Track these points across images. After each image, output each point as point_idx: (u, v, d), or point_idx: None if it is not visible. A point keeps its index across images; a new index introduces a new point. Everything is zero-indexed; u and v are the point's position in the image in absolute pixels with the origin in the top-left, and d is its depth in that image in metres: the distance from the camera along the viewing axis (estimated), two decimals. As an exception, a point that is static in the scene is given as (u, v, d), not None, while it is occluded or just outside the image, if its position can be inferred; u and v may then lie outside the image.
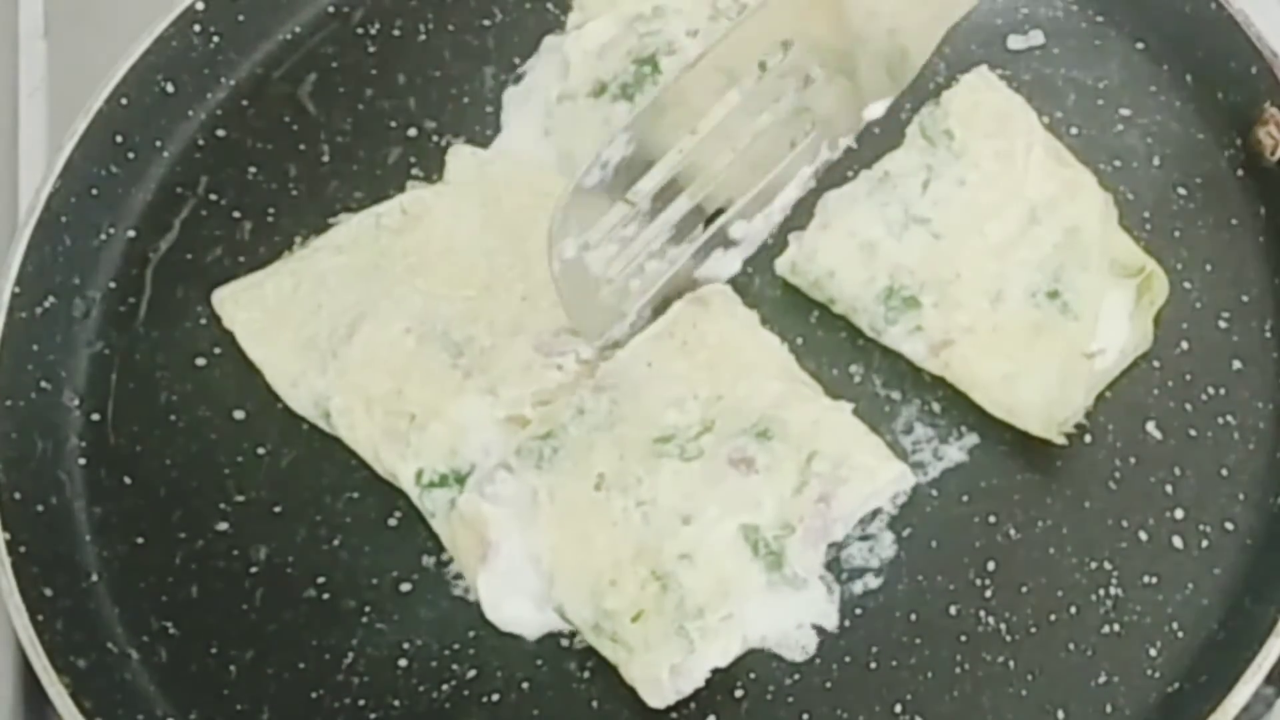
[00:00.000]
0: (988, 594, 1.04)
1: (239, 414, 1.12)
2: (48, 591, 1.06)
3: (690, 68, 1.03)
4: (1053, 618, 1.03)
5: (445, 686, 1.04)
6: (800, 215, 1.15)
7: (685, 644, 0.99)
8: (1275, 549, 1.03)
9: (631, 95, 1.16)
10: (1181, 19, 1.18)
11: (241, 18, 1.26)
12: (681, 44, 1.18)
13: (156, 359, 1.16)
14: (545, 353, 1.09)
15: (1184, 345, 1.10)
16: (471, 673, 1.04)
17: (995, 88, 1.17)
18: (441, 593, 1.06)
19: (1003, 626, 1.03)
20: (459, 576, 1.06)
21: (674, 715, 1.01)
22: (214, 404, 1.13)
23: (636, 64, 1.17)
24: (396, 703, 1.03)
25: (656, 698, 0.99)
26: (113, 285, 1.19)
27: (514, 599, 1.04)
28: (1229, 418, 1.08)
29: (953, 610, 1.03)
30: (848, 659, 1.03)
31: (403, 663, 1.04)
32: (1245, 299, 1.11)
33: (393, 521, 1.09)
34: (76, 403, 1.14)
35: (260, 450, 1.11)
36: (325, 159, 1.22)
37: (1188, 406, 1.08)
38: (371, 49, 1.27)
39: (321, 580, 1.07)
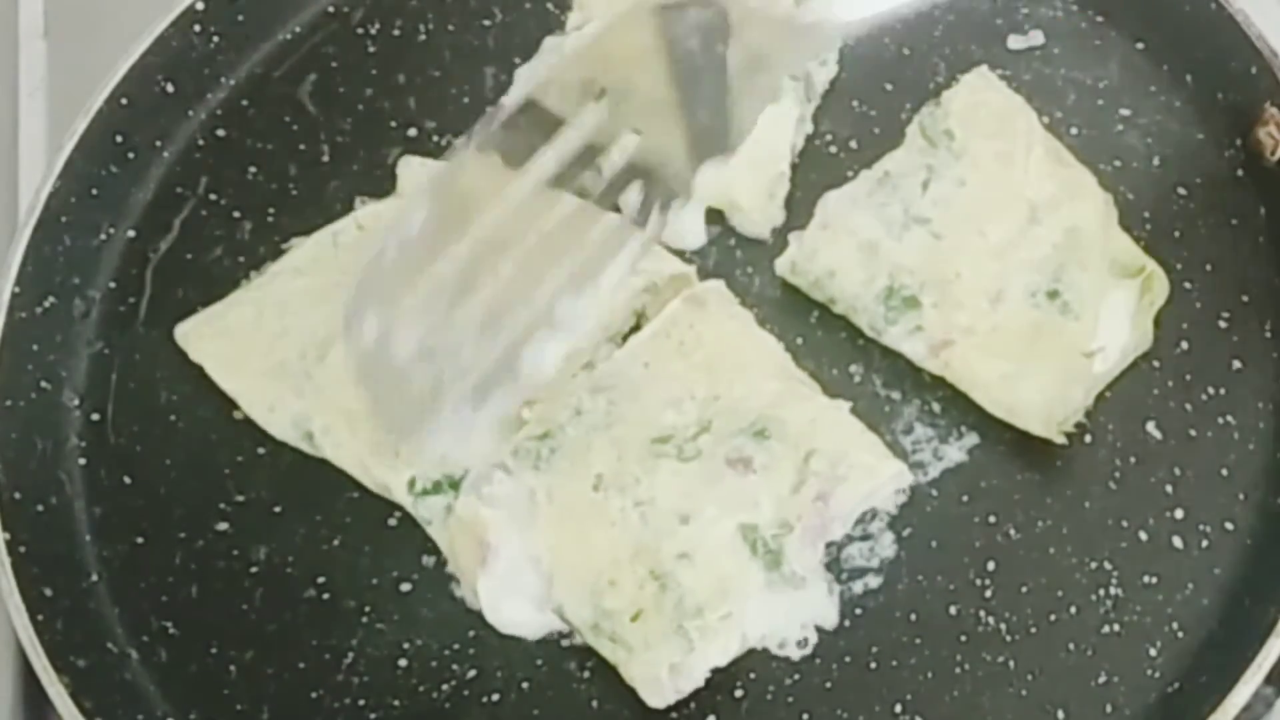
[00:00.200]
0: (988, 594, 1.04)
1: (239, 414, 1.12)
2: (48, 591, 1.06)
3: (494, 120, 0.96)
4: (1053, 618, 1.03)
5: (445, 686, 1.04)
6: (800, 215, 1.15)
7: (684, 643, 0.99)
8: (1275, 549, 1.03)
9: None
10: (1181, 19, 1.18)
11: (241, 18, 1.26)
12: (681, 44, 1.17)
13: (156, 359, 1.15)
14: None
15: (1184, 345, 1.10)
16: (471, 673, 1.04)
17: (995, 88, 1.17)
18: (441, 593, 1.06)
19: (1003, 626, 1.03)
20: (459, 576, 1.07)
21: (674, 715, 1.01)
22: (214, 404, 1.13)
23: (636, 64, 1.17)
24: (396, 703, 1.03)
25: (656, 697, 0.99)
26: (113, 285, 1.19)
27: (513, 601, 1.04)
28: (1229, 418, 1.08)
29: (953, 610, 1.03)
30: (848, 659, 1.03)
31: (403, 663, 1.04)
32: (1245, 299, 1.11)
33: (393, 522, 1.09)
34: (76, 403, 1.14)
35: (260, 450, 1.11)
36: (325, 159, 1.22)
37: (1188, 406, 1.08)
38: (371, 49, 1.27)
39: (321, 580, 1.07)
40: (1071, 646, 1.02)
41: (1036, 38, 1.21)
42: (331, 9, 1.28)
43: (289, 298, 1.13)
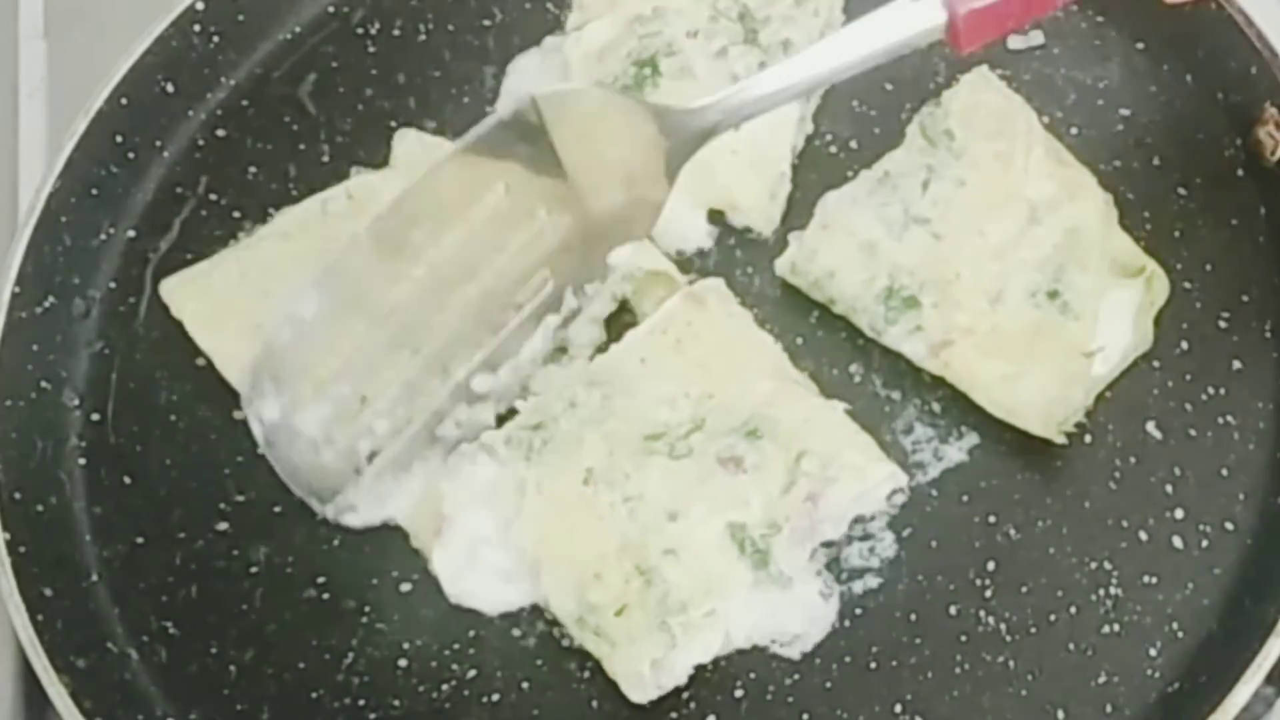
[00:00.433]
0: (988, 594, 1.04)
1: (239, 414, 1.12)
2: (48, 591, 1.06)
3: (388, 214, 0.98)
4: (1053, 618, 1.03)
5: (445, 686, 1.04)
6: (800, 215, 1.15)
7: (667, 639, 0.99)
8: (1275, 549, 1.03)
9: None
10: (1181, 19, 1.18)
11: (241, 18, 1.26)
12: (681, 45, 1.17)
13: (156, 359, 1.16)
14: (494, 330, 1.08)
15: (1184, 345, 1.10)
16: (471, 673, 1.04)
17: (995, 88, 1.17)
18: (441, 593, 1.06)
19: (1003, 626, 1.03)
20: (459, 577, 1.07)
21: (674, 715, 1.01)
22: (214, 404, 1.13)
23: (636, 66, 1.17)
24: (396, 703, 1.03)
25: (638, 692, 1.00)
26: (113, 285, 1.19)
27: (475, 575, 1.04)
28: (1229, 418, 1.08)
29: (953, 610, 1.03)
30: (847, 659, 1.03)
31: (403, 663, 1.04)
32: (1245, 299, 1.11)
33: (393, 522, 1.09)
34: (76, 403, 1.14)
35: (260, 450, 1.11)
36: (325, 159, 1.22)
37: (1188, 406, 1.08)
38: (371, 49, 1.27)
39: (321, 580, 1.07)
40: (1071, 646, 1.02)
41: (1036, 38, 1.21)
42: (331, 9, 1.28)
43: (274, 260, 1.14)
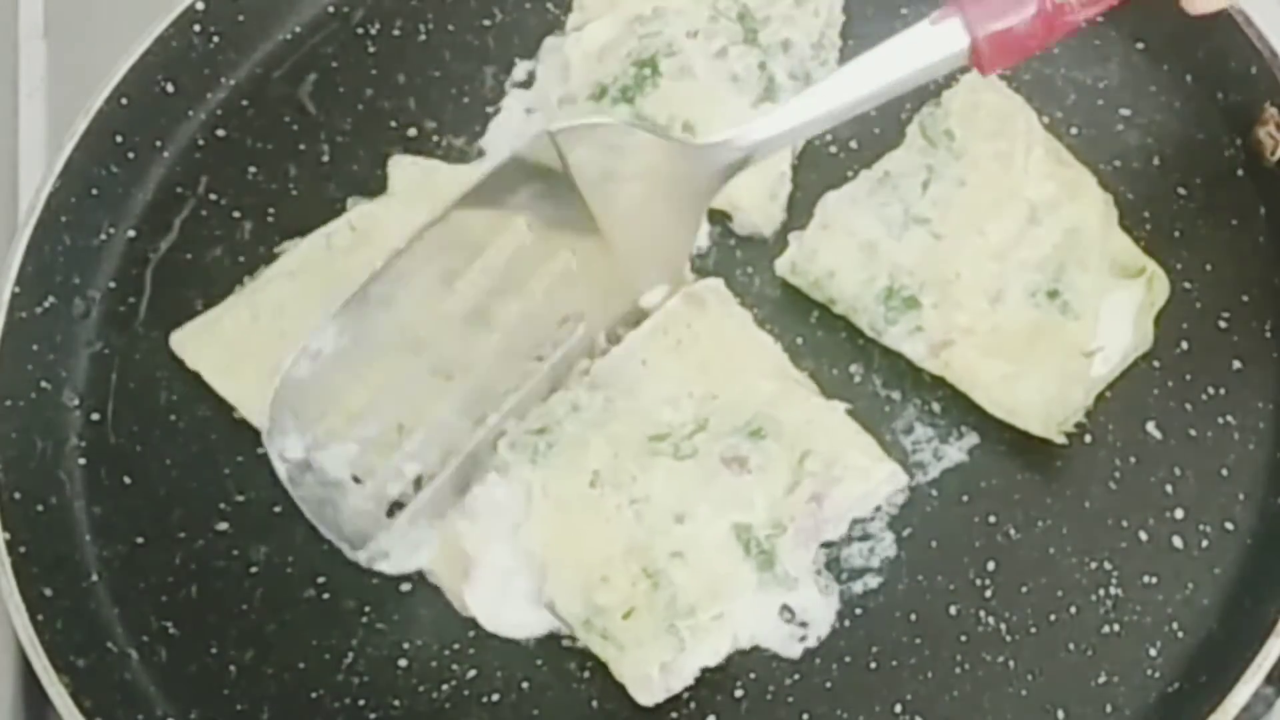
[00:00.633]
0: (988, 594, 1.04)
1: (239, 414, 1.12)
2: (48, 591, 1.06)
3: (408, 249, 0.96)
4: (1053, 618, 1.03)
5: (445, 686, 1.04)
6: (800, 215, 1.15)
7: (675, 642, 0.99)
8: (1275, 549, 1.03)
9: (631, 98, 1.16)
10: (1181, 19, 1.17)
11: (241, 18, 1.26)
12: (681, 45, 1.17)
13: (156, 359, 1.15)
14: (525, 375, 1.08)
15: (1184, 345, 1.10)
16: (471, 673, 1.04)
17: (995, 88, 1.16)
18: (441, 593, 1.06)
19: (1003, 626, 1.03)
20: (459, 576, 1.07)
21: (674, 715, 1.01)
22: (214, 404, 1.13)
23: (637, 66, 1.17)
24: (396, 703, 1.03)
25: (646, 695, 0.99)
26: (113, 285, 1.19)
27: (511, 604, 1.04)
28: (1229, 418, 1.08)
29: (953, 610, 1.03)
30: (848, 659, 1.03)
31: (403, 663, 1.04)
32: (1245, 299, 1.11)
33: (393, 521, 1.09)
34: (76, 403, 1.14)
35: (260, 450, 1.11)
36: (325, 159, 1.22)
37: (1188, 406, 1.08)
38: (371, 49, 1.27)
39: (321, 580, 1.07)
40: (1071, 646, 1.02)
41: (1036, 38, 1.21)
42: (331, 9, 1.28)
43: (284, 300, 1.13)
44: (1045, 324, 1.07)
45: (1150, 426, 1.08)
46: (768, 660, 1.03)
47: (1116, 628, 1.02)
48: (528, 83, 1.24)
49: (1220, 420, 1.08)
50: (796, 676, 1.02)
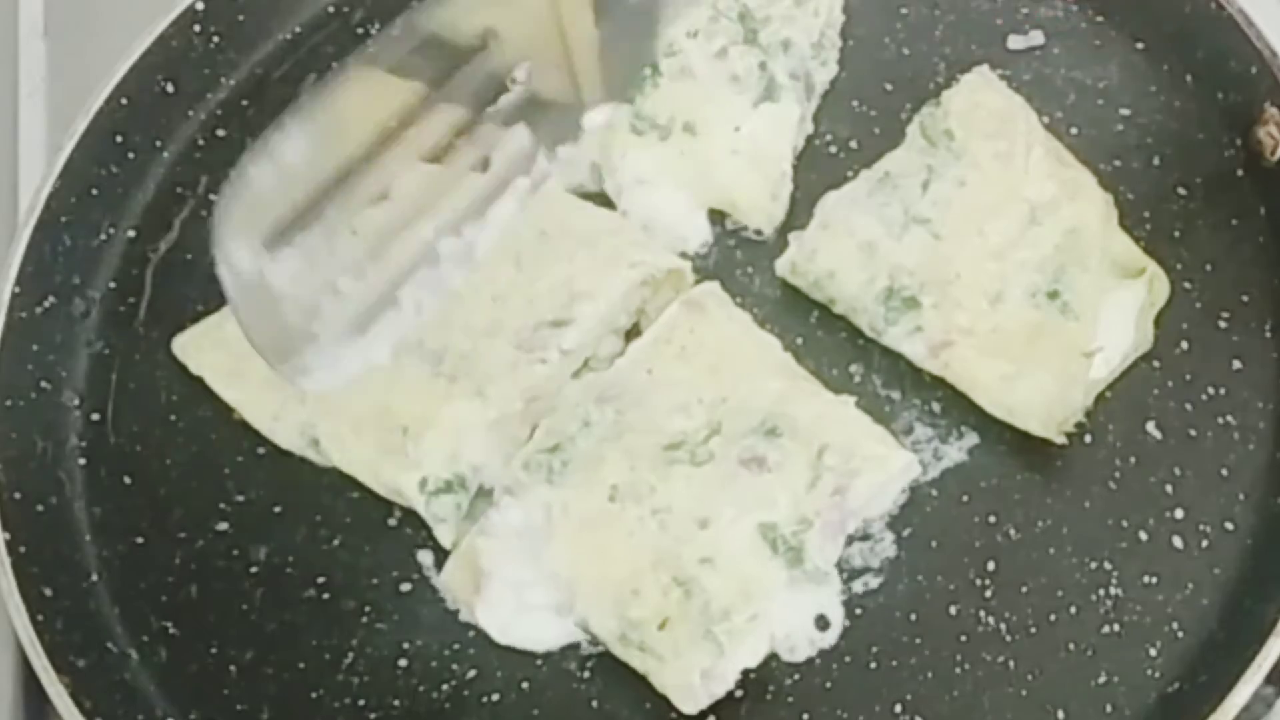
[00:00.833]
0: (988, 594, 1.04)
1: (239, 415, 1.12)
2: (48, 591, 1.06)
3: (367, 54, 0.92)
4: (1053, 618, 1.03)
5: (445, 686, 1.04)
6: (800, 215, 1.15)
7: (714, 648, 0.98)
8: (1275, 549, 1.03)
9: (631, 98, 1.16)
10: (1181, 19, 1.18)
11: (241, 18, 1.26)
12: (682, 45, 1.17)
13: (156, 359, 1.15)
14: (527, 349, 1.08)
15: (1184, 345, 1.10)
16: (471, 673, 1.04)
17: (995, 88, 1.17)
18: (441, 593, 1.06)
19: (1003, 626, 1.03)
20: (459, 576, 1.07)
21: (674, 715, 1.01)
22: (214, 404, 1.13)
23: (637, 65, 1.17)
24: (396, 703, 1.03)
25: (690, 703, 0.99)
26: (113, 285, 1.19)
27: (527, 618, 1.04)
28: (1229, 418, 1.08)
29: (953, 610, 1.03)
30: (848, 659, 1.03)
31: (403, 663, 1.04)
32: (1245, 299, 1.11)
33: (392, 522, 1.09)
34: (76, 403, 1.14)
35: (260, 450, 1.11)
36: (325, 159, 1.22)
37: (1188, 406, 1.08)
38: (371, 49, 1.27)
39: (321, 580, 1.07)
40: (1071, 646, 1.02)
41: (1036, 38, 1.21)
42: (331, 9, 1.28)
43: None
44: (1045, 324, 1.07)
45: (1150, 426, 1.08)
46: (768, 660, 1.02)
47: (1116, 628, 1.02)
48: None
49: (1220, 420, 1.08)
50: (796, 676, 1.02)
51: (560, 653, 1.04)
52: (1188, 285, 1.12)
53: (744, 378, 1.07)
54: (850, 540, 1.05)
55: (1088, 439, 1.07)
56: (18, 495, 1.09)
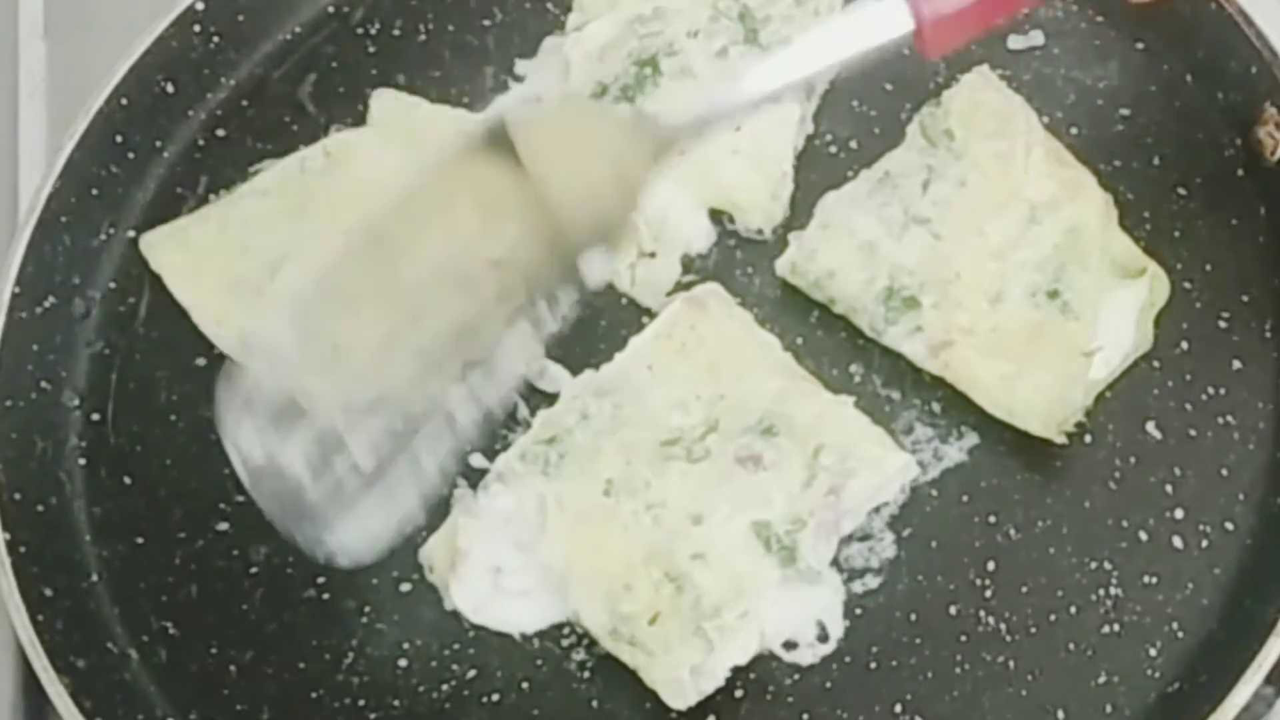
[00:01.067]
0: (988, 594, 1.04)
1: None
2: (48, 591, 1.06)
3: (359, 234, 0.95)
4: (1053, 618, 1.03)
5: (445, 686, 1.04)
6: (800, 215, 1.15)
7: (704, 644, 0.99)
8: (1275, 549, 1.03)
9: (632, 97, 1.16)
10: (1181, 19, 1.18)
11: (241, 18, 1.26)
12: (682, 45, 1.17)
13: (156, 359, 1.16)
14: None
15: (1184, 345, 1.10)
16: (471, 673, 1.04)
17: (995, 88, 1.16)
18: (441, 593, 1.06)
19: (1003, 626, 1.03)
20: (459, 577, 1.07)
21: (673, 716, 1.01)
22: (214, 404, 1.13)
23: (637, 66, 1.17)
24: (396, 703, 1.03)
25: (679, 699, 0.99)
26: (113, 285, 1.19)
27: (495, 602, 1.04)
28: (1229, 418, 1.08)
29: (953, 610, 1.03)
30: (848, 659, 1.03)
31: (403, 663, 1.04)
32: (1245, 299, 1.11)
33: (393, 521, 1.09)
34: (76, 403, 1.14)
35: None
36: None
37: (1188, 406, 1.08)
38: (371, 49, 1.27)
39: (321, 580, 1.07)
40: (1071, 646, 1.02)
41: (1036, 38, 1.21)
42: (331, 9, 1.28)
43: (251, 216, 1.16)
44: (1045, 324, 1.07)
45: (1150, 426, 1.08)
46: (768, 660, 1.03)
47: (1116, 628, 1.02)
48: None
49: (1220, 420, 1.08)
50: (796, 676, 1.02)
51: (560, 652, 1.04)
52: (1188, 285, 1.12)
53: (743, 376, 1.07)
54: (850, 540, 1.05)
55: (1088, 439, 1.07)
56: (18, 495, 1.09)
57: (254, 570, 1.08)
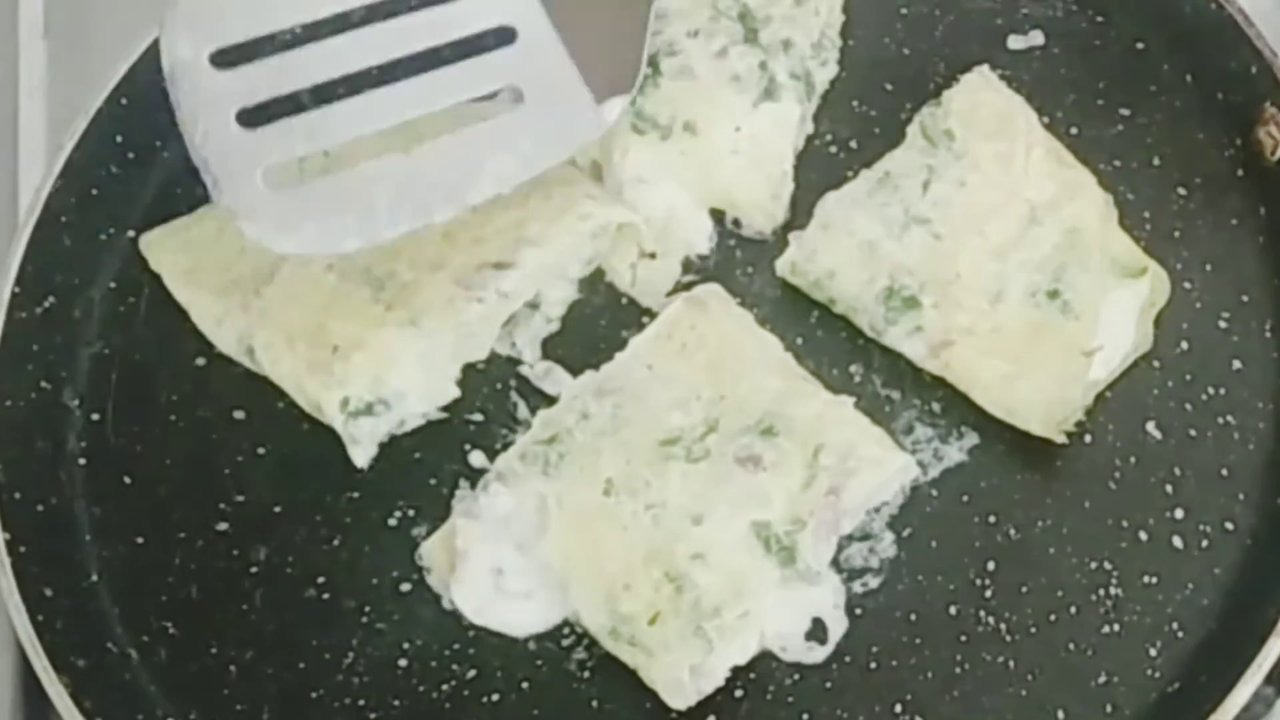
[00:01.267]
0: (988, 594, 1.04)
1: (239, 414, 1.12)
2: (48, 591, 1.06)
3: None
4: (1053, 618, 1.03)
5: (445, 686, 1.04)
6: (800, 215, 1.15)
7: (704, 644, 0.99)
8: (1275, 549, 1.03)
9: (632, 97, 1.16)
10: (1181, 19, 1.18)
11: (241, 18, 1.25)
12: (682, 45, 1.17)
13: (156, 359, 1.15)
14: (466, 287, 1.09)
15: (1184, 345, 1.10)
16: (471, 673, 1.04)
17: (995, 88, 1.17)
18: (441, 593, 1.06)
19: (1003, 626, 1.03)
20: (459, 576, 1.07)
21: (673, 716, 1.01)
22: (214, 404, 1.13)
23: (637, 65, 1.17)
24: (396, 703, 1.03)
25: (679, 699, 0.99)
26: (113, 285, 1.19)
27: (496, 603, 1.04)
28: (1229, 418, 1.08)
29: (953, 610, 1.03)
30: (848, 659, 1.03)
31: (403, 663, 1.04)
32: (1245, 299, 1.11)
33: (392, 522, 1.09)
34: (76, 403, 1.14)
35: (260, 450, 1.11)
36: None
37: (1188, 406, 1.08)
38: (371, 49, 1.26)
39: (321, 580, 1.07)
40: (1071, 646, 1.02)
41: (1036, 38, 1.21)
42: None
43: None
44: (1045, 324, 1.07)
45: (1150, 426, 1.08)
46: (768, 660, 1.03)
47: (1116, 628, 1.02)
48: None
49: (1220, 420, 1.08)
50: (796, 677, 1.02)
51: (560, 652, 1.04)
52: (1188, 285, 1.12)
53: (743, 376, 1.07)
54: (850, 540, 1.06)
55: (1088, 439, 1.07)
56: (18, 495, 1.09)
57: (254, 570, 1.08)
